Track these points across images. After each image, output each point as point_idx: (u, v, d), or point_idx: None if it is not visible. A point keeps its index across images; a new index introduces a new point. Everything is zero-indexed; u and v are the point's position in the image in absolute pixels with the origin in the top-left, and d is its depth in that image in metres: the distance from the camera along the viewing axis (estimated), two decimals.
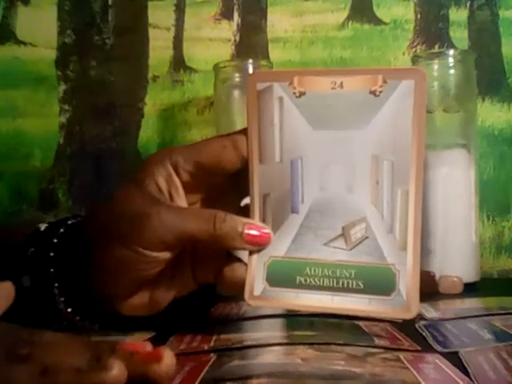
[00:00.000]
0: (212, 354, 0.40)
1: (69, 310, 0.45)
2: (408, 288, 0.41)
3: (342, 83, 0.43)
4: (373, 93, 0.42)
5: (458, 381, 0.35)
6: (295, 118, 0.44)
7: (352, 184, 0.43)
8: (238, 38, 0.86)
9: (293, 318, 0.47)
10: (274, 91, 0.44)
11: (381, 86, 0.42)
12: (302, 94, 0.43)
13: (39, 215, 0.85)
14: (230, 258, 0.45)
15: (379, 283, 0.42)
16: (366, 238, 0.43)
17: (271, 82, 0.44)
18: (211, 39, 0.87)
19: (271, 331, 0.47)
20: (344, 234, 0.43)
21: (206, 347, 0.42)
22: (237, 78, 0.71)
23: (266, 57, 0.85)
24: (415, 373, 0.36)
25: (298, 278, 0.43)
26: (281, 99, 0.44)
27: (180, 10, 0.87)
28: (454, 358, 0.39)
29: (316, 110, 0.43)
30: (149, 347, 0.33)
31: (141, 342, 0.34)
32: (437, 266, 0.67)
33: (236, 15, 0.87)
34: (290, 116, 0.44)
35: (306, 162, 0.44)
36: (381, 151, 0.43)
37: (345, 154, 0.43)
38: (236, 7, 0.87)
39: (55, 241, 0.45)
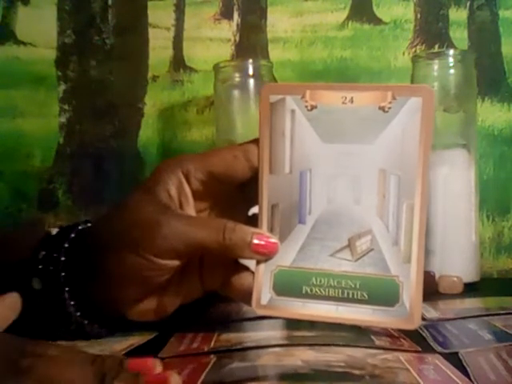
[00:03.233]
0: (212, 356, 0.40)
1: (78, 313, 0.45)
2: (411, 299, 0.42)
3: (352, 98, 0.44)
4: (382, 109, 0.43)
5: (458, 381, 0.35)
6: (306, 130, 0.44)
7: (359, 197, 0.44)
8: (237, 38, 0.86)
9: (293, 319, 0.47)
10: (287, 104, 0.45)
11: (390, 103, 0.43)
12: (313, 107, 0.44)
13: (39, 215, 0.85)
14: (238, 266, 0.46)
15: (383, 294, 0.42)
16: (372, 249, 0.43)
17: (284, 95, 0.45)
18: (211, 39, 0.87)
19: (271, 332, 0.47)
20: (350, 246, 0.43)
21: (205, 348, 0.42)
22: (237, 78, 0.71)
23: (266, 57, 0.85)
24: (415, 374, 0.36)
25: (304, 287, 0.43)
26: (293, 112, 0.45)
27: (180, 9, 0.87)
28: (454, 359, 0.39)
29: (326, 123, 0.44)
30: (158, 366, 0.32)
31: (150, 360, 0.33)
32: (437, 266, 0.67)
33: (236, 15, 0.87)
34: (300, 128, 0.44)
35: (314, 173, 0.44)
36: (388, 166, 0.43)
37: (353, 167, 0.44)
38: (236, 7, 0.87)
39: (66, 245, 0.45)
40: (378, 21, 0.87)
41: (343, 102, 0.44)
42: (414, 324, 0.42)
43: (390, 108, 0.43)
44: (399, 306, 0.42)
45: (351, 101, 0.44)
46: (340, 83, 0.46)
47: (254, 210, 0.46)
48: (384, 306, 0.42)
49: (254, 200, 0.45)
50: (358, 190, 0.44)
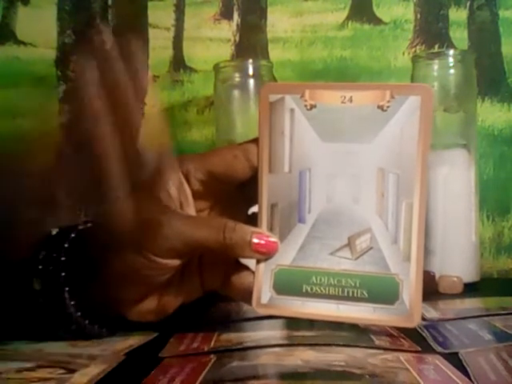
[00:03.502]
0: (212, 356, 0.40)
1: (78, 313, 0.45)
2: (411, 297, 0.42)
3: (351, 97, 0.44)
4: (380, 107, 0.43)
5: (458, 382, 0.35)
6: (305, 129, 0.44)
7: (358, 196, 0.44)
8: (237, 38, 0.86)
9: (293, 319, 0.48)
10: (286, 103, 0.45)
11: (388, 101, 0.43)
12: (312, 106, 0.44)
13: (39, 215, 0.84)
14: (238, 265, 0.46)
15: (383, 292, 0.42)
16: (371, 248, 0.43)
17: (283, 94, 0.45)
18: (211, 39, 0.87)
19: (271, 332, 0.47)
20: (349, 244, 0.43)
21: (205, 348, 0.42)
22: (237, 78, 0.71)
23: (266, 57, 0.85)
24: (415, 374, 0.36)
25: (304, 286, 0.43)
26: (292, 111, 0.45)
27: (180, 10, 0.87)
28: (454, 359, 0.39)
29: (326, 122, 0.44)
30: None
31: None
32: (437, 266, 0.67)
33: (236, 15, 0.87)
34: (300, 128, 0.45)
35: (314, 173, 0.44)
36: (387, 164, 0.44)
37: (352, 166, 0.44)
38: (236, 7, 0.87)
39: (66, 245, 0.45)
40: (377, 21, 0.87)
41: (342, 101, 0.44)
42: (414, 322, 0.42)
43: (388, 107, 0.43)
44: (399, 304, 0.42)
45: (350, 100, 0.44)
46: (339, 82, 0.46)
47: (254, 209, 0.46)
48: (384, 304, 0.42)
49: (254, 199, 0.45)
50: (358, 188, 0.44)
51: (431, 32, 0.86)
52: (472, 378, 0.35)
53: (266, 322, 0.48)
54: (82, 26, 0.86)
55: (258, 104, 0.46)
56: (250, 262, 0.45)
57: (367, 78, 0.84)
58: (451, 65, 0.70)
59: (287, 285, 0.44)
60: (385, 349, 0.41)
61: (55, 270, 0.45)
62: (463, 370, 0.37)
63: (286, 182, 0.45)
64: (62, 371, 0.38)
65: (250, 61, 0.72)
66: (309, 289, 0.43)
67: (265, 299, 0.44)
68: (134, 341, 0.45)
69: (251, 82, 0.71)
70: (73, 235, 0.46)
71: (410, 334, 0.45)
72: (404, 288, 0.42)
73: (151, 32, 0.87)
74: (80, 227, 0.47)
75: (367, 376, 0.35)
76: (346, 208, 0.44)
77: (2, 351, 0.43)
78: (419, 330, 0.46)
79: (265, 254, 0.44)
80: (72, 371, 0.38)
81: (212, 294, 0.48)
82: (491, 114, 0.84)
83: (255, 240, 0.43)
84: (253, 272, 0.45)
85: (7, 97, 0.86)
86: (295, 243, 0.44)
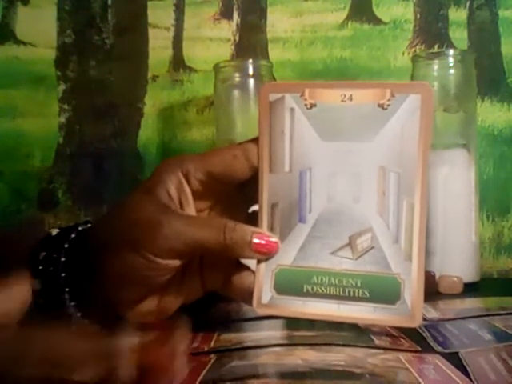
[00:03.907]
0: (212, 355, 0.40)
1: (78, 314, 0.45)
2: (412, 297, 0.42)
3: (351, 96, 0.44)
4: (381, 106, 0.43)
5: (458, 381, 0.35)
6: (305, 128, 0.44)
7: (359, 195, 0.44)
8: (237, 38, 0.86)
9: (293, 319, 0.48)
10: (286, 102, 0.45)
11: (389, 100, 0.43)
12: (312, 105, 0.44)
13: (39, 215, 0.85)
14: (239, 266, 0.46)
15: (384, 292, 0.42)
16: (372, 247, 0.43)
17: (283, 94, 0.45)
18: (211, 39, 0.87)
19: (271, 332, 0.47)
20: (350, 244, 0.43)
21: (205, 348, 0.42)
22: (237, 77, 0.72)
23: (266, 57, 0.85)
24: (415, 373, 0.36)
25: (305, 286, 0.43)
26: (292, 110, 0.45)
27: (180, 9, 0.87)
28: (454, 359, 0.39)
29: (326, 121, 0.44)
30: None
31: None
32: (437, 266, 0.67)
33: (236, 15, 0.87)
34: (300, 127, 0.45)
35: (314, 172, 0.44)
36: (387, 163, 0.43)
37: (352, 165, 0.44)
38: (236, 7, 0.87)
39: (66, 246, 0.45)
40: (377, 21, 0.87)
41: (342, 100, 0.44)
42: (416, 322, 0.42)
43: (389, 105, 0.43)
44: (400, 304, 0.42)
45: (350, 98, 0.44)
46: (339, 81, 0.46)
47: (254, 207, 0.46)
48: (385, 304, 0.42)
49: (254, 199, 0.45)
50: (358, 187, 0.44)
51: (431, 32, 0.86)
52: (472, 377, 0.35)
53: (265, 322, 0.48)
54: (82, 26, 0.86)
55: (257, 104, 0.46)
56: (251, 263, 0.45)
57: (367, 77, 0.84)
58: (451, 65, 0.70)
59: (288, 285, 0.44)
60: (385, 349, 0.41)
61: (55, 271, 0.45)
62: (463, 370, 0.37)
63: (286, 182, 0.45)
64: None
65: (250, 61, 0.72)
66: (310, 289, 0.43)
67: (265, 299, 0.44)
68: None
69: (251, 81, 0.71)
70: (73, 236, 0.46)
71: (410, 333, 0.45)
72: (405, 288, 0.42)
73: (151, 32, 0.87)
74: (80, 228, 0.47)
75: (367, 375, 0.35)
76: (346, 207, 0.44)
77: None
78: (419, 330, 0.47)
79: (265, 254, 0.44)
80: None
81: (212, 295, 0.48)
82: (491, 113, 0.84)
83: (255, 240, 0.43)
84: (253, 272, 0.45)
85: (7, 97, 0.86)
86: (296, 243, 0.44)
